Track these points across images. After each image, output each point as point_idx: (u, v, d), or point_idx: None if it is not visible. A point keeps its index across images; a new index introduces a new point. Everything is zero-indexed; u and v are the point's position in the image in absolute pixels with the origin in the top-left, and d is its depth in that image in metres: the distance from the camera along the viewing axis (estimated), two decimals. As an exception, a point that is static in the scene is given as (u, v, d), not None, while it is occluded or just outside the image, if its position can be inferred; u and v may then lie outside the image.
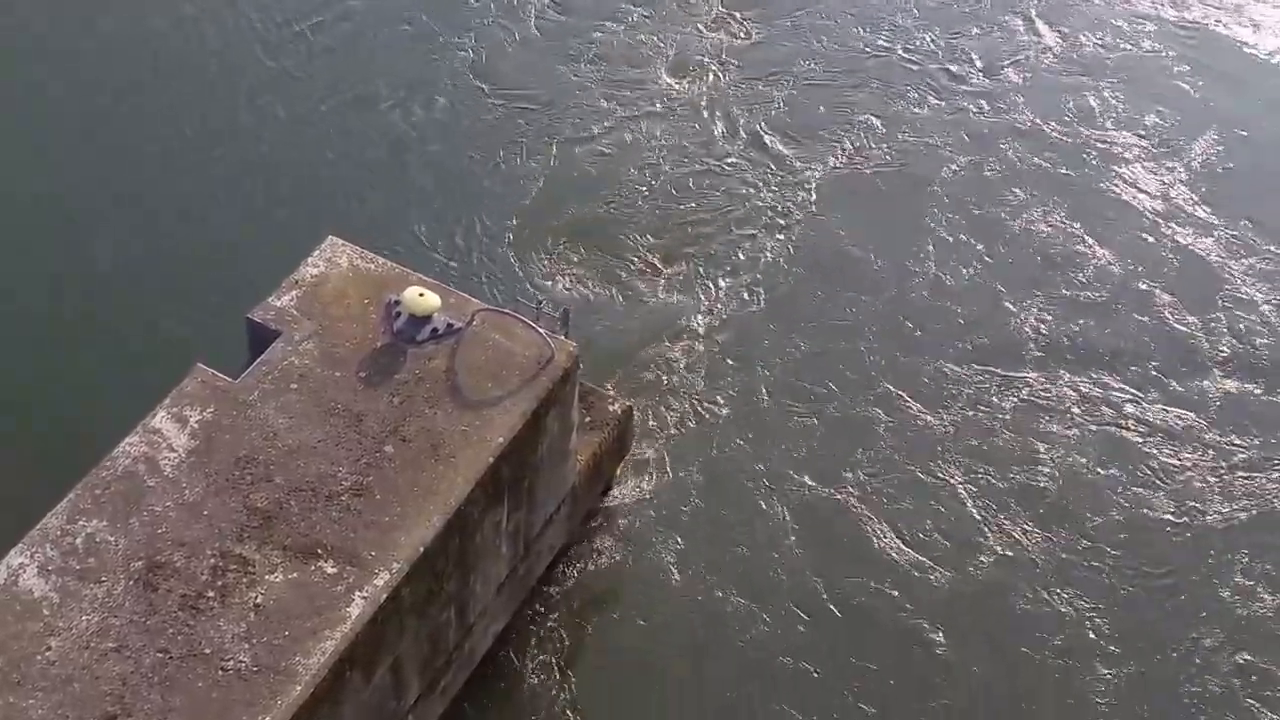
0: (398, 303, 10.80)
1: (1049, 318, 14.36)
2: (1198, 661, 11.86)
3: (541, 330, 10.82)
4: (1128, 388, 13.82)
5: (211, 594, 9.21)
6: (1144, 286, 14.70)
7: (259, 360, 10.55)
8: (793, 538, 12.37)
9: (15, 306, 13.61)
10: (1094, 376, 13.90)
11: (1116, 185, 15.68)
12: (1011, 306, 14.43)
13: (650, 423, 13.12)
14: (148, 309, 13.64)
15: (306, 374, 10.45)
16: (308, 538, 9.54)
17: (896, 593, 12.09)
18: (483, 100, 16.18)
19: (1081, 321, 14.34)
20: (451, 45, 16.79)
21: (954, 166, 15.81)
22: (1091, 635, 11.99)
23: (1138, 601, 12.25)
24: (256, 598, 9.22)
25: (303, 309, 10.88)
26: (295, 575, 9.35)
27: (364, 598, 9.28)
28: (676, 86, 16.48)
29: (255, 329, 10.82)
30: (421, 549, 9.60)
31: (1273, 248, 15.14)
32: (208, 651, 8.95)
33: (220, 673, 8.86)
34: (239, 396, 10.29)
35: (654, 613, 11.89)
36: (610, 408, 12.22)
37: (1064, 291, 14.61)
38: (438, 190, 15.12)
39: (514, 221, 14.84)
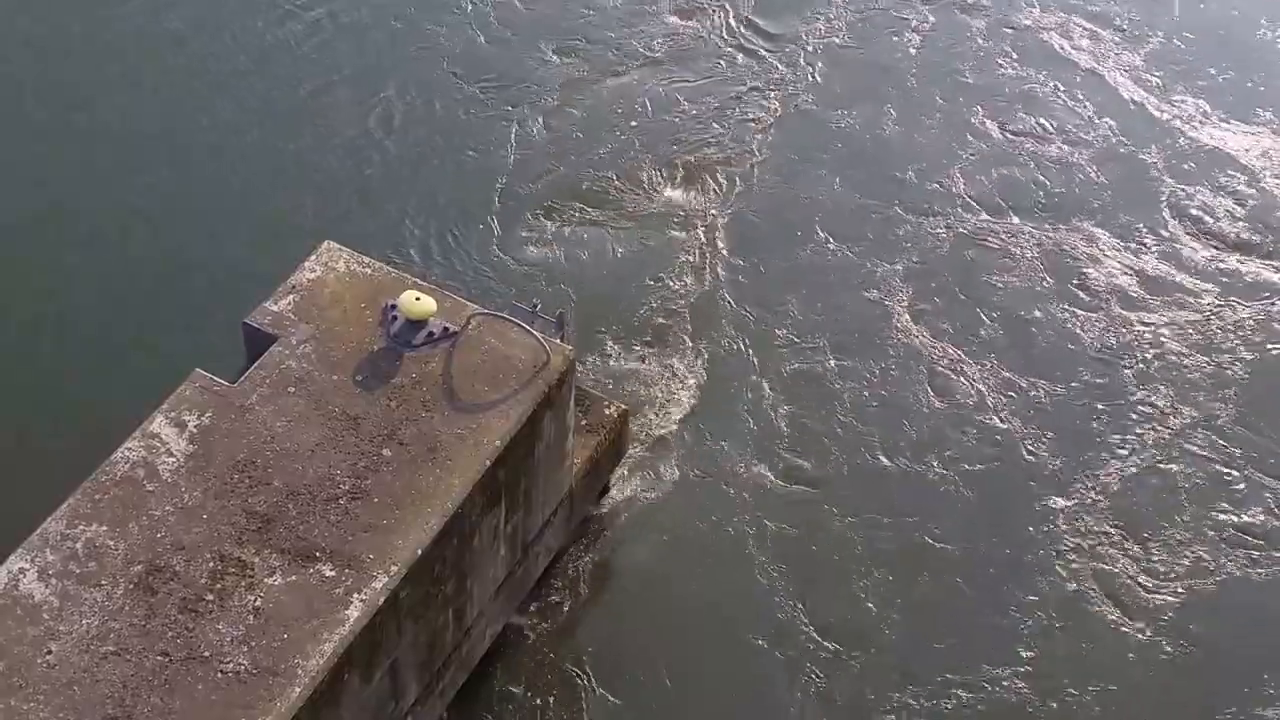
0: (394, 307, 10.86)
1: (1008, 170, 15.39)
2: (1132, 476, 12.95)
3: (537, 333, 10.87)
4: (1085, 236, 14.77)
5: (210, 597, 9.27)
6: (1106, 144, 15.70)
7: (256, 364, 10.60)
8: (790, 529, 12.46)
9: (14, 312, 13.65)
10: (1051, 224, 14.91)
11: (1082, 55, 16.63)
12: (968, 156, 15.55)
13: (648, 396, 13.41)
14: (145, 314, 13.68)
15: (304, 378, 10.50)
16: (306, 541, 9.59)
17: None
18: (473, 93, 16.21)
19: (1042, 174, 15.34)
20: (440, 36, 16.85)
21: (916, 36, 16.88)
22: (1047, 456, 13.02)
23: (1082, 427, 13.26)
24: (255, 600, 9.28)
25: (300, 313, 10.93)
26: (294, 578, 9.40)
27: (362, 600, 9.34)
28: (679, 23, 17.10)
29: (252, 333, 10.87)
30: (419, 552, 9.65)
31: (1226, 117, 16.06)
32: (207, 654, 9.00)
33: (219, 675, 8.92)
34: (237, 401, 10.34)
35: (653, 615, 11.93)
36: (607, 411, 12.28)
37: (1025, 147, 15.68)
38: (436, 191, 15.13)
39: (511, 214, 14.94)
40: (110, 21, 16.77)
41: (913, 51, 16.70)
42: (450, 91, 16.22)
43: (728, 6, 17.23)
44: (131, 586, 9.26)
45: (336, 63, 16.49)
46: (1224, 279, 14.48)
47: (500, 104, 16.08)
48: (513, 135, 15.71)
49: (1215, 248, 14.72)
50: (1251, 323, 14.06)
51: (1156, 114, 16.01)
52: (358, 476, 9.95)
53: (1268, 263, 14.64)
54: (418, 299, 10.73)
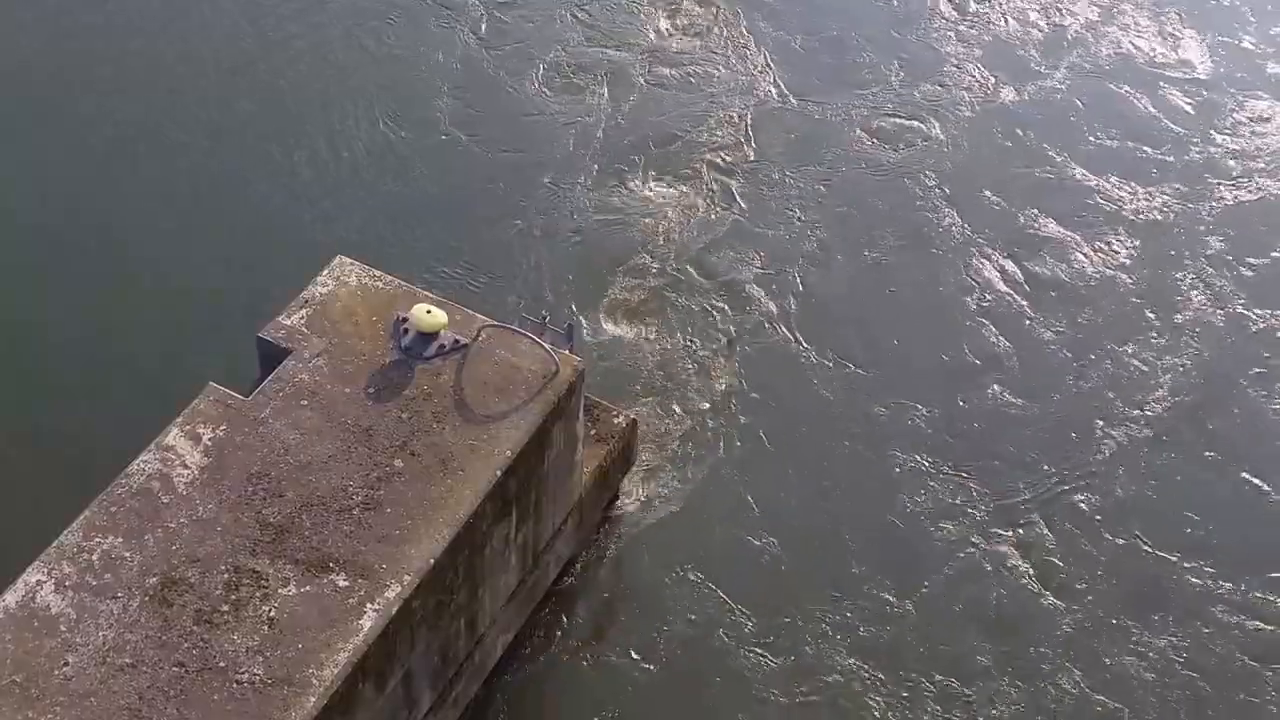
0: (405, 320, 10.95)
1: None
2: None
3: (546, 345, 10.96)
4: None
5: (225, 608, 9.36)
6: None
7: (270, 378, 10.69)
8: (806, 539, 12.52)
9: (29, 326, 13.74)
10: None
11: None
12: None
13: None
14: (161, 329, 13.75)
15: (317, 390, 10.60)
16: (320, 551, 9.68)
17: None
18: (478, 104, 16.36)
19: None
20: (445, 46, 16.97)
21: None
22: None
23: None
24: (270, 611, 9.36)
25: (312, 327, 11.03)
26: (308, 588, 9.49)
27: (376, 610, 9.42)
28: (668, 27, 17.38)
29: (266, 347, 10.97)
30: (431, 561, 9.74)
31: None
32: (222, 665, 9.09)
33: (235, 685, 9.00)
34: (251, 413, 10.43)
35: (662, 623, 11.98)
36: (615, 420, 12.36)
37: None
38: (443, 202, 15.24)
39: (518, 219, 15.12)
40: (118, 21, 16.92)
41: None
42: (461, 98, 16.35)
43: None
44: (147, 598, 9.34)
45: (350, 69, 16.60)
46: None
47: (513, 122, 16.17)
48: (521, 149, 15.86)
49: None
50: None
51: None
52: (370, 487, 10.04)
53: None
54: (429, 312, 10.82)
